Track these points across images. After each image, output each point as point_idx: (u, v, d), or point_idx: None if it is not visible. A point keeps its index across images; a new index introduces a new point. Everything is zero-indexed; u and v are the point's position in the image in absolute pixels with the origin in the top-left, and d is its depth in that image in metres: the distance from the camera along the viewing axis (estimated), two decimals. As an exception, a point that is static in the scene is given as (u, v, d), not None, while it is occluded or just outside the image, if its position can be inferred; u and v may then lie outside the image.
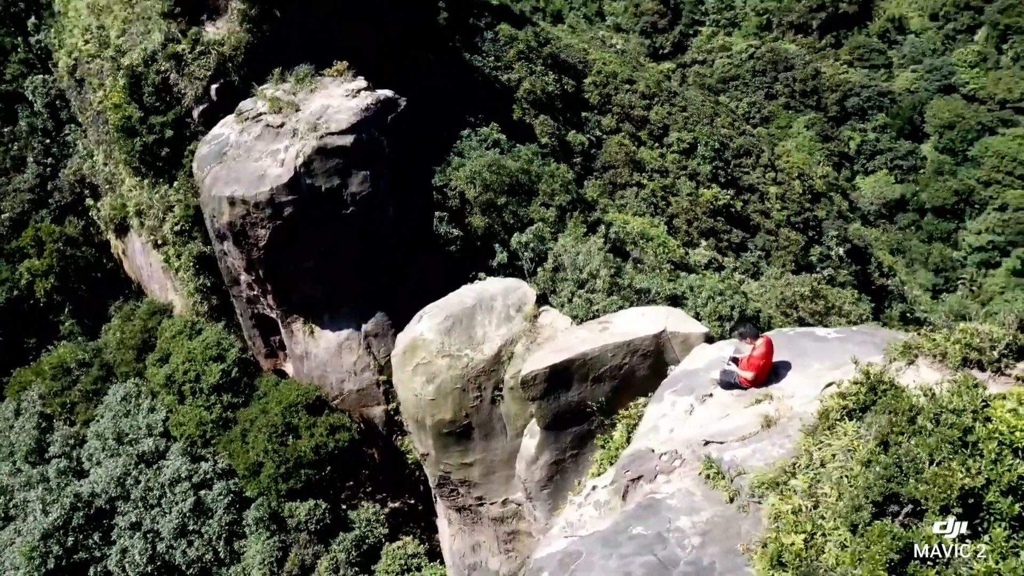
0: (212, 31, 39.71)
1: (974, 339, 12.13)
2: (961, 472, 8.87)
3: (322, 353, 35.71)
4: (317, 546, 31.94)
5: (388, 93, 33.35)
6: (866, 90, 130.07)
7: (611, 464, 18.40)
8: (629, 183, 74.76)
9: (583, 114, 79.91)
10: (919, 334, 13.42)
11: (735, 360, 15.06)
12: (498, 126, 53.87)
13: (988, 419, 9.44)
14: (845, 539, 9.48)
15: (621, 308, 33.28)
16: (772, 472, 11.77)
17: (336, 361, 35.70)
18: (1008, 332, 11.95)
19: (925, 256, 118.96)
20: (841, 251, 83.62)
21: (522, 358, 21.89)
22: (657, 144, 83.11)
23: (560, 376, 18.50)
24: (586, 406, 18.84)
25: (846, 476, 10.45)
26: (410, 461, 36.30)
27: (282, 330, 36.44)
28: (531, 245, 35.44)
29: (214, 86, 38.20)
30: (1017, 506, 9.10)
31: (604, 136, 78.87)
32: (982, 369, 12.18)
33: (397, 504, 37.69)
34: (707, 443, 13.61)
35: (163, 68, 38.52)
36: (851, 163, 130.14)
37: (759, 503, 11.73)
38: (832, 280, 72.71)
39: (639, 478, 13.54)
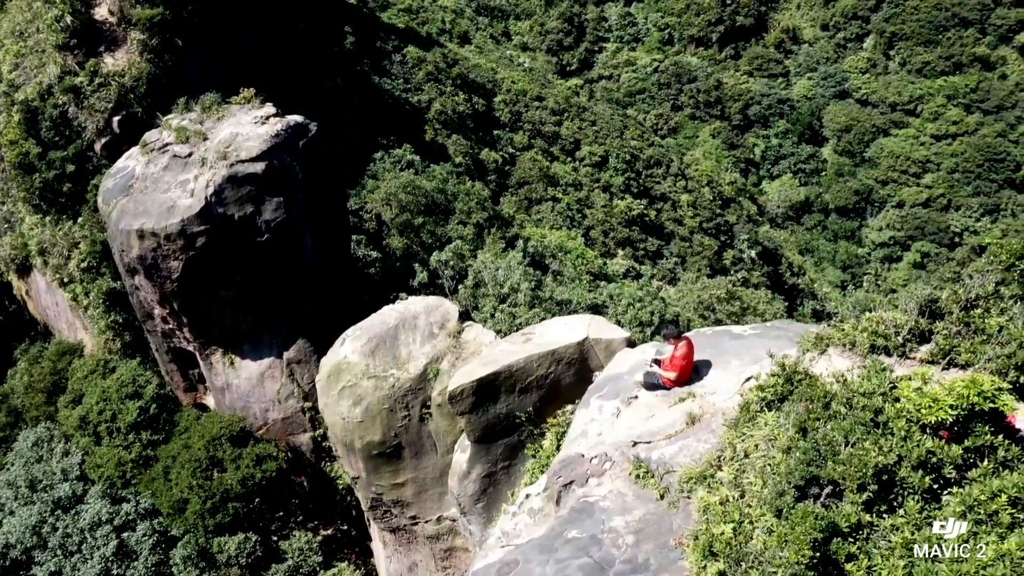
0: (111, 62, 38.82)
1: (879, 326, 12.85)
2: (875, 451, 9.43)
3: (244, 383, 35.07)
4: (249, 580, 31.23)
5: (298, 118, 33.14)
6: (766, 98, 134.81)
7: (543, 472, 18.70)
8: (544, 198, 75.72)
9: (495, 132, 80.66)
10: (829, 326, 14.12)
11: (657, 362, 15.54)
12: (411, 147, 53.96)
13: (896, 399, 10.04)
14: (771, 524, 9.93)
15: (544, 320, 33.73)
16: (699, 467, 12.23)
17: (259, 391, 35.10)
18: (910, 318, 12.68)
19: (832, 254, 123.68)
20: (753, 253, 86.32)
21: (448, 374, 22.03)
22: (569, 158, 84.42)
23: (487, 389, 18.69)
24: (515, 417, 19.07)
25: (769, 464, 10.95)
26: (340, 487, 35.90)
27: (201, 363, 35.64)
28: (451, 263, 35.60)
29: (116, 118, 37.29)
30: (927, 479, 9.70)
31: (517, 153, 79.73)
32: (888, 354, 12.89)
33: (329, 531, 37.13)
34: (635, 444, 14.01)
35: (61, 102, 37.41)
36: (757, 169, 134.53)
37: (688, 498, 12.15)
38: (746, 282, 74.80)
39: (571, 483, 13.83)
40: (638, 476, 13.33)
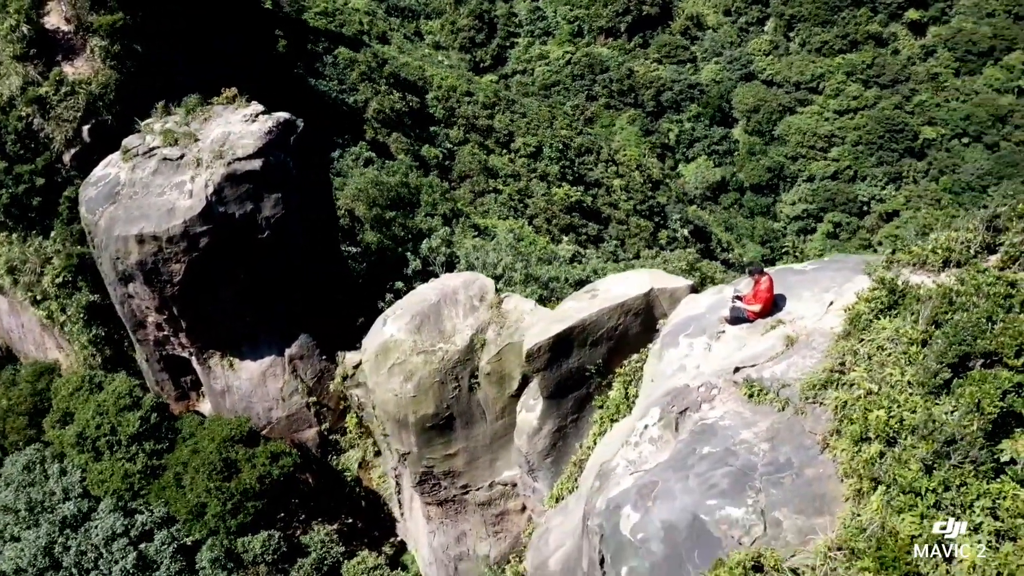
0: (71, 71, 38.02)
1: (952, 243, 14.45)
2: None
3: (245, 384, 34.96)
4: (277, 576, 31.30)
5: (286, 115, 33.30)
6: (677, 84, 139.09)
7: (612, 422, 19.84)
8: (487, 190, 76.71)
9: (431, 128, 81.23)
10: (892, 251, 15.69)
11: (738, 298, 16.88)
12: (366, 145, 54.23)
13: (1012, 284, 11.57)
14: (925, 403, 11.32)
15: (542, 297, 34.92)
16: (821, 375, 13.53)
17: (261, 390, 35.06)
18: (977, 233, 14.31)
19: (751, 230, 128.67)
20: (686, 232, 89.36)
21: (495, 344, 22.91)
22: (505, 150, 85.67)
23: (562, 344, 19.66)
24: (585, 370, 20.11)
25: (904, 356, 12.33)
26: (349, 479, 36.18)
27: (197, 368, 35.33)
28: (440, 249, 36.31)
29: (86, 127, 36.63)
30: None
31: (455, 148, 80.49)
32: (959, 267, 14.51)
33: (335, 525, 37.34)
34: (737, 370, 15.25)
35: (25, 113, 36.45)
36: (673, 153, 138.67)
37: (814, 403, 13.44)
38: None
39: (685, 410, 14.98)
40: (751, 395, 14.58)
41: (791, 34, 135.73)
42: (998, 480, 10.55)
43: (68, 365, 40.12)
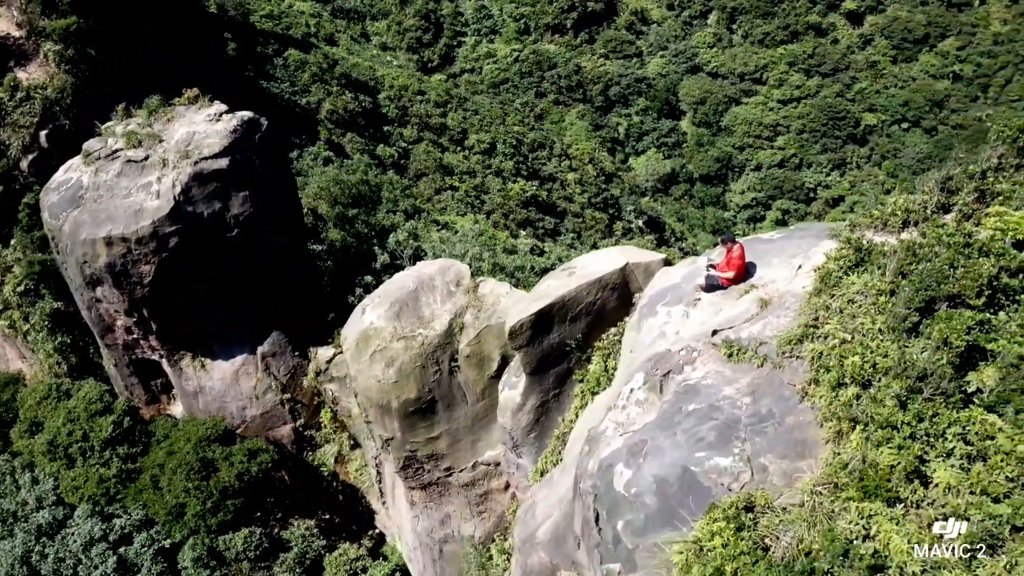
0: (25, 77, 37.60)
1: (910, 204, 15.46)
2: (987, 263, 11.88)
3: (218, 384, 34.99)
4: (260, 572, 31.47)
5: (249, 114, 33.40)
6: (624, 78, 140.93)
7: (592, 394, 20.58)
8: (443, 187, 77.14)
9: (385, 128, 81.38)
10: (853, 216, 16.67)
11: (712, 267, 17.73)
12: (324, 144, 54.33)
13: (969, 234, 12.55)
14: (897, 345, 12.25)
15: (511, 285, 35.51)
16: (796, 331, 14.40)
17: (234, 389, 35.12)
18: (933, 194, 15.35)
19: (701, 220, 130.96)
20: (640, 223, 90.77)
21: (473, 327, 23.49)
22: (459, 148, 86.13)
23: (543, 320, 20.31)
24: (565, 345, 20.80)
25: (873, 307, 13.26)
26: (325, 474, 36.43)
27: (168, 370, 35.24)
28: (408, 243, 36.75)
29: (43, 132, 36.27)
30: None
31: (409, 146, 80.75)
32: (917, 225, 15.51)
33: (314, 520, 37.54)
34: (715, 332, 16.07)
35: (-21, 121, 35.97)
36: (623, 146, 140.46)
37: (791, 357, 14.30)
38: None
39: (668, 372, 15.75)
40: (730, 355, 15.40)
41: (734, 26, 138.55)
42: (967, 409, 11.52)
43: (32, 375, 39.62)
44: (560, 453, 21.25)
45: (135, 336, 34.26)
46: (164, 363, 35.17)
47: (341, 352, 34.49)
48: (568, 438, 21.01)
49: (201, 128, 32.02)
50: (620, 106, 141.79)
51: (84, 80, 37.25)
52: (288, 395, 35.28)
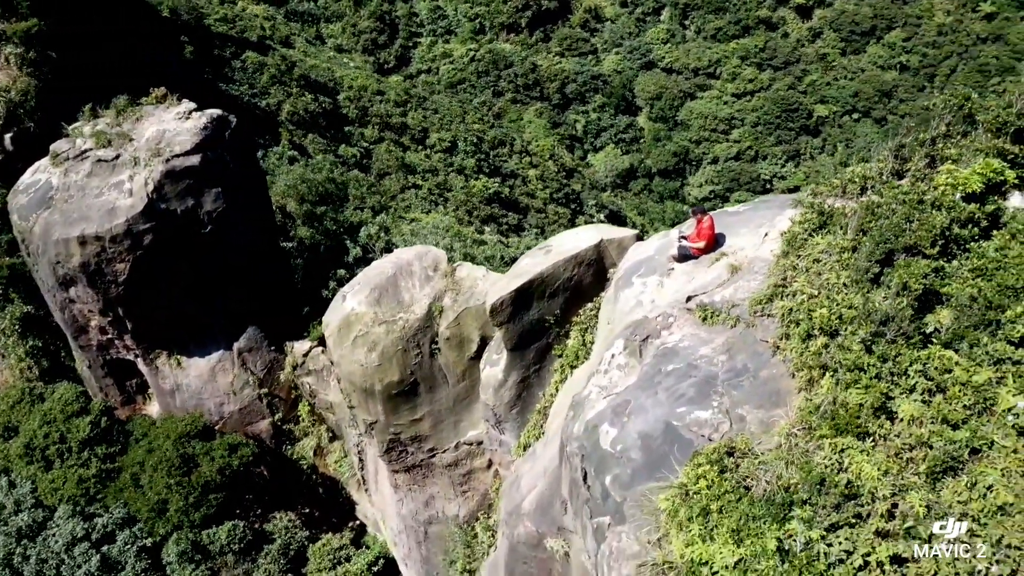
0: (-15, 81, 37.40)
1: (867, 171, 16.52)
2: (940, 216, 12.90)
3: (194, 381, 35.20)
4: (245, 564, 31.75)
5: (218, 112, 33.70)
6: (580, 76, 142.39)
7: (571, 368, 21.38)
8: (407, 186, 77.55)
9: (346, 128, 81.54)
10: (815, 185, 17.70)
11: (683, 238, 18.63)
12: (288, 144, 54.53)
13: (923, 192, 13.59)
14: (860, 296, 13.24)
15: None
16: (765, 292, 15.33)
17: (211, 386, 35.36)
18: (888, 161, 16.41)
19: (661, 214, 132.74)
20: (602, 216, 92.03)
21: (452, 310, 24.17)
22: (420, 147, 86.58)
23: (523, 297, 21.06)
24: (544, 321, 21.57)
25: (837, 263, 14.24)
26: (304, 467, 36.78)
27: (144, 369, 35.35)
28: (379, 236, 37.26)
29: (8, 135, 36.14)
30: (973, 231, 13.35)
31: (371, 146, 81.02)
32: (874, 189, 16.56)
33: (294, 513, 37.87)
34: (689, 298, 16.96)
35: (-59, 125, 35.75)
36: (581, 143, 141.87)
37: (762, 316, 15.23)
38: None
39: (647, 337, 16.58)
40: (704, 318, 16.28)
41: (686, 22, 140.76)
42: (926, 348, 12.51)
43: (3, 380, 39.36)
44: (542, 427, 22.01)
45: (110, 336, 34.32)
46: (139, 362, 35.27)
47: (317, 346, 35.00)
48: (550, 412, 21.79)
49: (171, 126, 32.25)
50: (577, 103, 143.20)
51: (47, 82, 37.15)
52: (265, 390, 35.60)
